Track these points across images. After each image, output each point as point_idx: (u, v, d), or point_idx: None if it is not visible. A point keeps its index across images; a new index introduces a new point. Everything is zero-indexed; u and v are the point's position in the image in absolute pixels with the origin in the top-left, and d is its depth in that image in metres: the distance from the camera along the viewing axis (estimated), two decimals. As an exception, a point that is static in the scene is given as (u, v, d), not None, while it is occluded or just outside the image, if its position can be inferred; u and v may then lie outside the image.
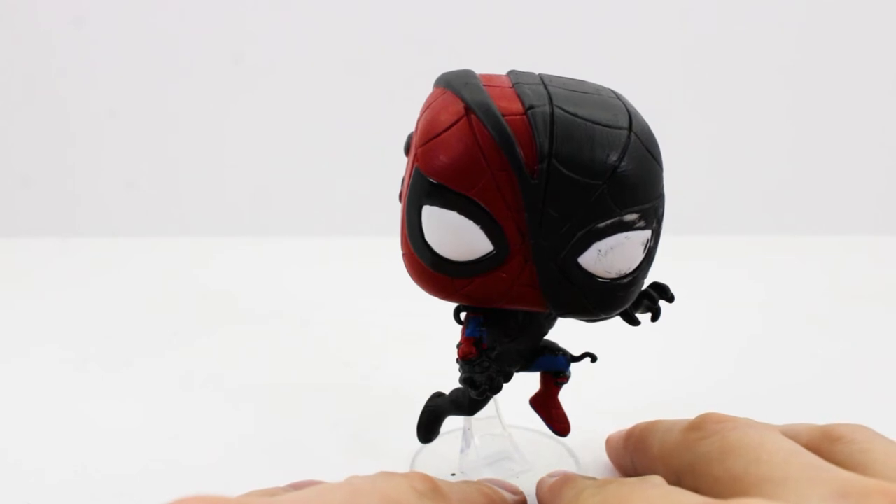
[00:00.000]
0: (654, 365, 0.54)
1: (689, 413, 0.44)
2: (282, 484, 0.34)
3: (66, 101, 0.85)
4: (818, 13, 0.82)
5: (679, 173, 0.84)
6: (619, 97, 0.33)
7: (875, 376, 0.53)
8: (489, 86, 0.32)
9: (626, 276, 0.32)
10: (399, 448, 0.43)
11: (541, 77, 0.34)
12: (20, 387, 0.51)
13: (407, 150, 0.34)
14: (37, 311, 0.64)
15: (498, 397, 0.40)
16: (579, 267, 0.32)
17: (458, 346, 0.34)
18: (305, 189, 0.86)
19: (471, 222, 0.31)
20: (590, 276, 0.32)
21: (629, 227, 0.31)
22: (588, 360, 0.39)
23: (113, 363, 0.54)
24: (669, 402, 0.49)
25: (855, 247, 0.79)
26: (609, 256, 0.32)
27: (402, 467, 0.42)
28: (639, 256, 0.32)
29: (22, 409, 0.48)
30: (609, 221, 0.31)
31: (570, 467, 0.41)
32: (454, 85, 0.32)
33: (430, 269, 0.33)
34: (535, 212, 0.31)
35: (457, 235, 0.32)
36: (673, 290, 0.36)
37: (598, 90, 0.34)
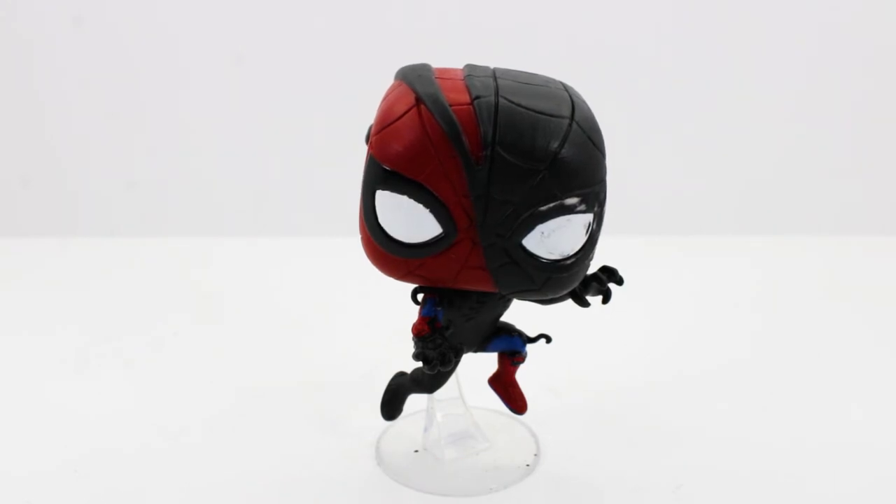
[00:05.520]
0: (610, 347, 0.56)
1: (649, 393, 0.46)
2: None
3: (66, 101, 0.86)
4: (815, 7, 0.83)
5: (677, 172, 0.86)
6: (566, 88, 0.35)
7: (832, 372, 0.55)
8: (441, 78, 0.34)
9: (569, 257, 0.34)
10: (365, 426, 0.45)
11: (494, 70, 0.36)
12: (19, 387, 0.52)
13: (367, 140, 0.36)
14: (37, 311, 0.64)
15: (460, 379, 0.42)
16: (524, 249, 0.34)
17: (413, 325, 0.37)
18: (306, 189, 0.87)
19: (420, 206, 0.33)
20: (534, 258, 0.34)
21: (570, 210, 0.33)
22: (543, 340, 0.41)
23: (113, 363, 0.54)
24: (629, 384, 0.51)
25: (840, 246, 0.80)
26: (552, 238, 0.33)
27: (368, 445, 0.44)
28: (581, 239, 0.34)
29: (21, 409, 0.49)
30: (551, 205, 0.33)
31: (530, 445, 0.43)
32: (408, 77, 0.34)
33: (384, 251, 0.35)
34: (480, 196, 0.33)
35: (408, 218, 0.34)
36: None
37: (546, 82, 0.36)
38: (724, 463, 0.43)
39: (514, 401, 0.41)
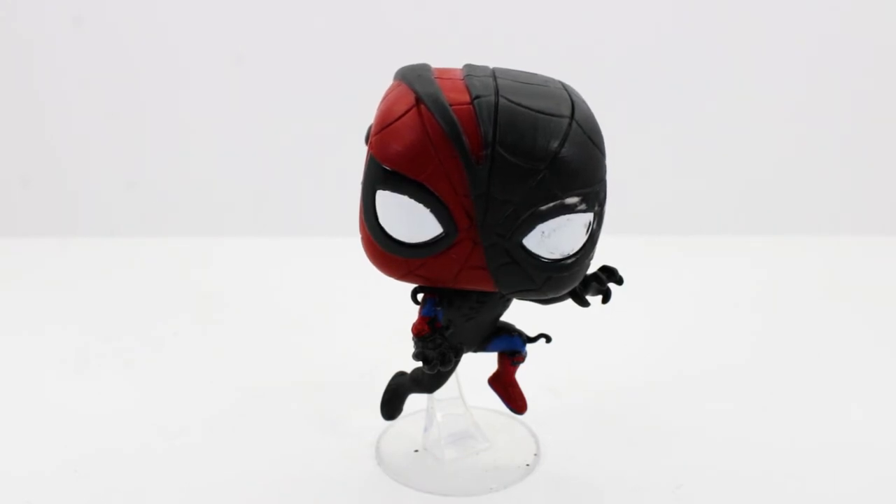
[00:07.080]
0: (610, 347, 0.56)
1: (649, 393, 0.46)
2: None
3: (66, 101, 0.86)
4: (815, 8, 0.83)
5: (678, 172, 0.86)
6: (565, 88, 0.35)
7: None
8: (441, 78, 0.34)
9: (569, 257, 0.34)
10: (365, 426, 0.45)
11: (493, 70, 0.36)
12: (19, 387, 0.51)
13: (367, 140, 0.36)
14: (37, 311, 0.64)
15: (460, 379, 0.42)
16: (524, 248, 0.34)
17: (413, 325, 0.37)
18: (306, 189, 0.87)
19: (421, 206, 0.33)
20: (535, 257, 0.34)
21: (571, 209, 0.33)
22: (543, 340, 0.41)
23: (113, 364, 0.54)
24: (629, 384, 0.51)
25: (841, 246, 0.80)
26: (552, 238, 0.34)
27: (368, 445, 0.44)
28: (581, 238, 0.34)
29: (21, 409, 0.49)
30: (551, 204, 0.33)
31: (530, 445, 0.43)
32: (408, 77, 0.34)
33: (384, 251, 0.35)
34: (481, 196, 0.33)
35: (408, 218, 0.34)
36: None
37: (546, 82, 0.36)
38: (724, 463, 0.43)
39: (514, 401, 0.41)
